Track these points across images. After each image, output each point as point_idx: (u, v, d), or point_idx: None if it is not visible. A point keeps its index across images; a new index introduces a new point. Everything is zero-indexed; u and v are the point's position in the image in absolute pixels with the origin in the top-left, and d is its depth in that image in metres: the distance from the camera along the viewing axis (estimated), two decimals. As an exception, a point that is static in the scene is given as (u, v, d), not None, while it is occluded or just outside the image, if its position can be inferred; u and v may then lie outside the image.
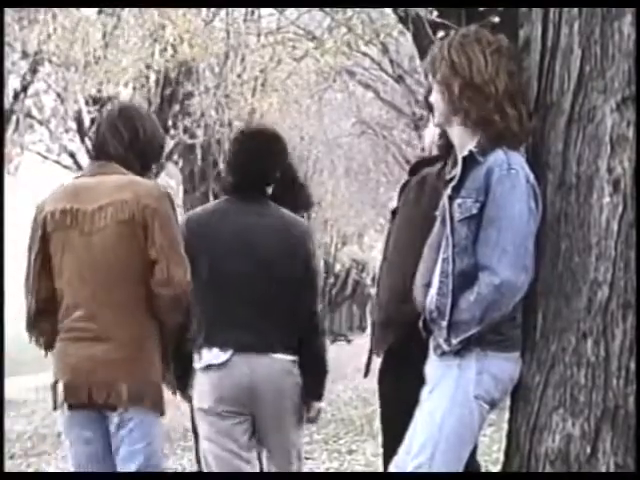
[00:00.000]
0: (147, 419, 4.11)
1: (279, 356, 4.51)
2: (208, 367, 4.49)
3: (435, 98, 3.44)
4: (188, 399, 4.70)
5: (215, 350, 4.47)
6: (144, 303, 4.09)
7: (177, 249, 4.09)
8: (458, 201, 3.31)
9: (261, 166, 4.60)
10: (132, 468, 4.08)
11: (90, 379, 4.04)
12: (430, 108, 3.81)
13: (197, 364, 4.54)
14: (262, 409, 4.53)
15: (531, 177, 3.30)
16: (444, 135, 4.08)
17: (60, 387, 4.09)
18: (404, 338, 4.01)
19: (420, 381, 3.50)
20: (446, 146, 4.07)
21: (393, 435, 4.07)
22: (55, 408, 4.18)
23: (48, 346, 4.22)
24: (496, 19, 7.25)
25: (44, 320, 4.18)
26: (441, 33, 6.71)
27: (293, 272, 4.51)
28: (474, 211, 3.27)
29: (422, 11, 8.77)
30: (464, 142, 3.37)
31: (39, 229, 4.18)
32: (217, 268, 4.48)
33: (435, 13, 8.56)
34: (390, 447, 4.13)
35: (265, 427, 4.58)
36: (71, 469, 4.22)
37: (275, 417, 4.56)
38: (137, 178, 4.19)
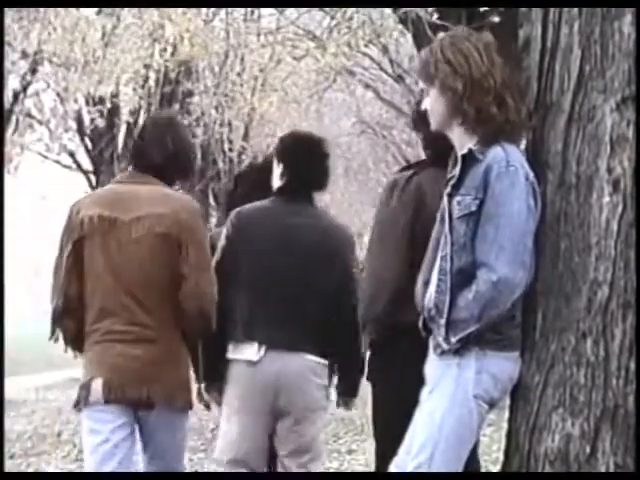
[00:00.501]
0: (178, 418, 4.32)
1: (309, 356, 4.61)
2: (241, 361, 4.61)
3: (433, 102, 3.42)
4: (216, 394, 4.78)
5: (250, 345, 4.59)
6: (174, 310, 4.26)
7: (207, 265, 4.32)
8: (457, 198, 3.32)
9: (318, 170, 4.78)
10: (160, 465, 4.31)
11: (128, 378, 4.20)
12: (420, 117, 3.89)
13: (231, 355, 4.64)
14: (284, 406, 4.61)
15: (530, 174, 3.30)
16: (428, 140, 4.14)
17: (98, 384, 4.21)
18: (384, 339, 4.10)
19: (401, 382, 3.66)
20: (431, 151, 4.13)
21: (383, 435, 4.13)
22: (77, 405, 4.28)
23: (70, 343, 4.37)
24: (496, 19, 7.26)
25: (69, 318, 4.32)
26: (441, 35, 6.72)
27: (330, 274, 4.63)
28: (473, 208, 3.28)
29: (422, 12, 8.79)
30: (464, 141, 3.37)
31: (76, 231, 4.29)
32: (258, 264, 4.62)
33: (435, 16, 8.58)
34: (381, 447, 4.19)
35: (284, 424, 4.65)
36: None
37: (296, 415, 4.64)
38: (172, 192, 4.38)
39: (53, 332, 4.37)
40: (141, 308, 4.23)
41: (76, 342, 4.34)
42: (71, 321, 4.31)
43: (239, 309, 4.60)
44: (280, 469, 4.75)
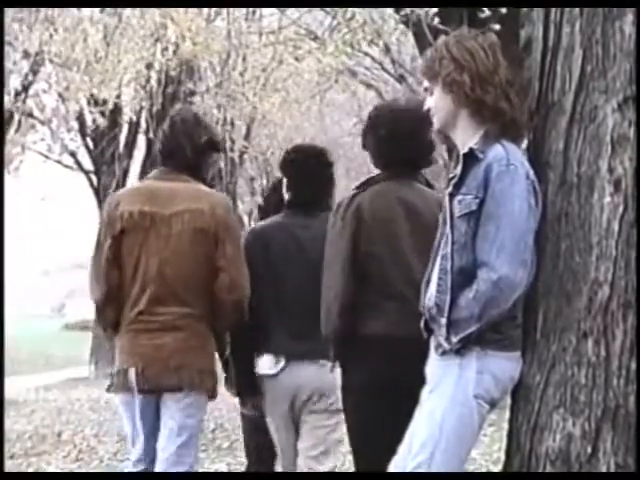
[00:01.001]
0: (202, 400, 4.52)
1: (327, 362, 4.61)
2: (265, 375, 4.73)
3: (437, 99, 3.42)
4: (250, 406, 4.89)
5: (268, 358, 4.71)
6: (206, 302, 4.46)
7: (242, 259, 4.55)
8: (458, 198, 3.32)
9: (322, 180, 4.84)
10: (182, 438, 4.47)
11: (162, 365, 4.40)
12: (367, 132, 4.07)
13: (258, 369, 4.76)
14: (304, 408, 4.73)
15: (531, 173, 3.30)
16: (375, 154, 4.17)
17: (132, 373, 4.41)
18: (346, 354, 4.17)
19: (375, 413, 3.86)
20: (382, 161, 4.16)
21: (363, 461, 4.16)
22: (115, 391, 4.52)
23: (110, 329, 4.56)
24: (497, 27, 7.27)
25: (110, 306, 4.51)
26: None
27: None
28: (473, 207, 3.28)
29: (422, 14, 8.79)
30: (466, 139, 3.37)
31: (117, 225, 4.47)
32: (274, 278, 4.71)
33: (437, 20, 8.59)
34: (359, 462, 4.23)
35: (304, 422, 4.76)
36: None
37: (316, 414, 4.74)
38: (206, 188, 4.56)
39: (97, 321, 4.63)
40: (175, 299, 4.41)
41: (115, 329, 4.53)
42: (112, 309, 4.50)
43: (259, 323, 4.68)
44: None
